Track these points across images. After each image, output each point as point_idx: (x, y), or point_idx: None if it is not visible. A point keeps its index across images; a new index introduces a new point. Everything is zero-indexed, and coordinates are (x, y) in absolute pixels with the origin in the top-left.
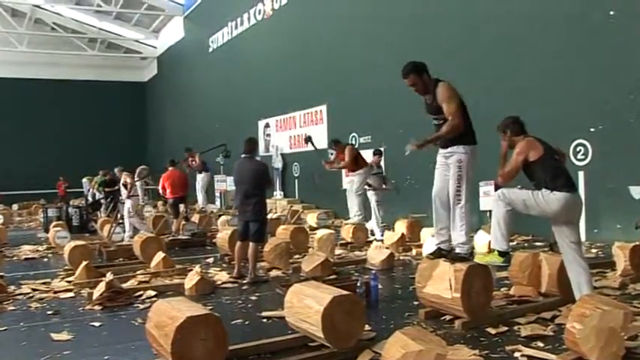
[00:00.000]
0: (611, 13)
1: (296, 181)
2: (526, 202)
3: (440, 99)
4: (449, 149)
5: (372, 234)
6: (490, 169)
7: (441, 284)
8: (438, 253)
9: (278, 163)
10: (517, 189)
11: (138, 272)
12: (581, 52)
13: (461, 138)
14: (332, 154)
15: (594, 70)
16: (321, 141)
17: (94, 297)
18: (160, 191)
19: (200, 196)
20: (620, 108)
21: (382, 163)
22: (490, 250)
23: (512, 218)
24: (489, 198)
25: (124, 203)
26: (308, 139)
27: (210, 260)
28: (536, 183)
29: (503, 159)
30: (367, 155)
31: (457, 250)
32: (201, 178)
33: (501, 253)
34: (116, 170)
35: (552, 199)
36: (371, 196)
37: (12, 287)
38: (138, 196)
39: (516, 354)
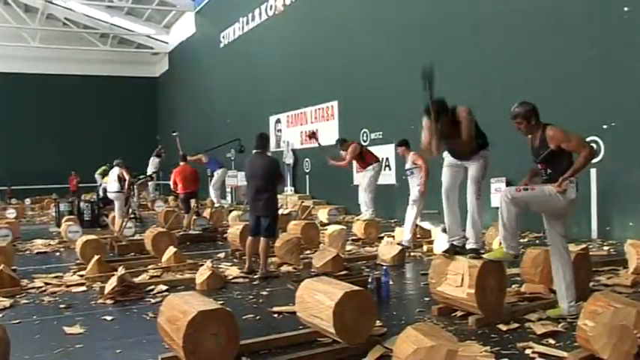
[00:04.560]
0: (626, 9)
1: (307, 176)
2: (539, 197)
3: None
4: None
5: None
6: (500, 165)
7: (454, 280)
8: (452, 250)
9: (289, 159)
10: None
11: (149, 267)
12: (594, 47)
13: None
14: (342, 153)
15: (608, 67)
16: (332, 137)
17: (106, 291)
18: (172, 186)
19: (212, 194)
20: (633, 105)
21: None
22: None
23: (520, 218)
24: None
25: (133, 197)
26: (312, 135)
27: (221, 255)
28: (553, 172)
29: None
30: (377, 150)
31: (472, 246)
32: (216, 174)
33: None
34: (115, 164)
35: (571, 190)
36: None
37: (25, 281)
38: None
39: (527, 351)
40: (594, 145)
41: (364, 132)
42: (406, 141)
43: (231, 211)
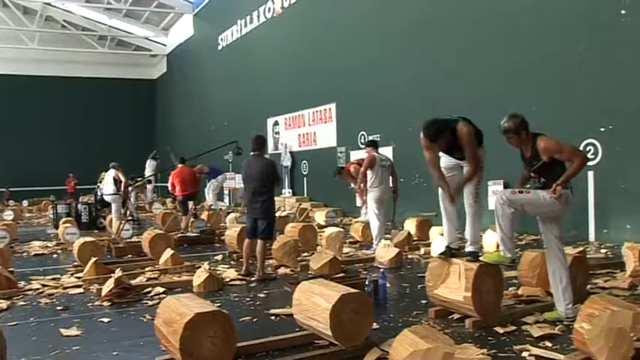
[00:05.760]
0: (623, 12)
1: (305, 179)
2: (534, 200)
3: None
4: None
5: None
6: (498, 167)
7: (451, 283)
8: (448, 253)
9: (287, 161)
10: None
11: (146, 269)
12: (591, 50)
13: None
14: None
15: (605, 69)
16: (330, 139)
17: (103, 293)
18: (170, 188)
19: (209, 196)
20: (631, 108)
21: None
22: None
23: (516, 220)
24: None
25: (131, 199)
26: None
27: (219, 257)
28: (547, 181)
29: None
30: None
31: (471, 249)
32: (211, 184)
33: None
34: (111, 166)
35: (565, 195)
36: None
37: (22, 283)
38: (121, 195)
39: (524, 353)
40: (591, 148)
41: (362, 134)
42: (374, 141)
43: (228, 213)
